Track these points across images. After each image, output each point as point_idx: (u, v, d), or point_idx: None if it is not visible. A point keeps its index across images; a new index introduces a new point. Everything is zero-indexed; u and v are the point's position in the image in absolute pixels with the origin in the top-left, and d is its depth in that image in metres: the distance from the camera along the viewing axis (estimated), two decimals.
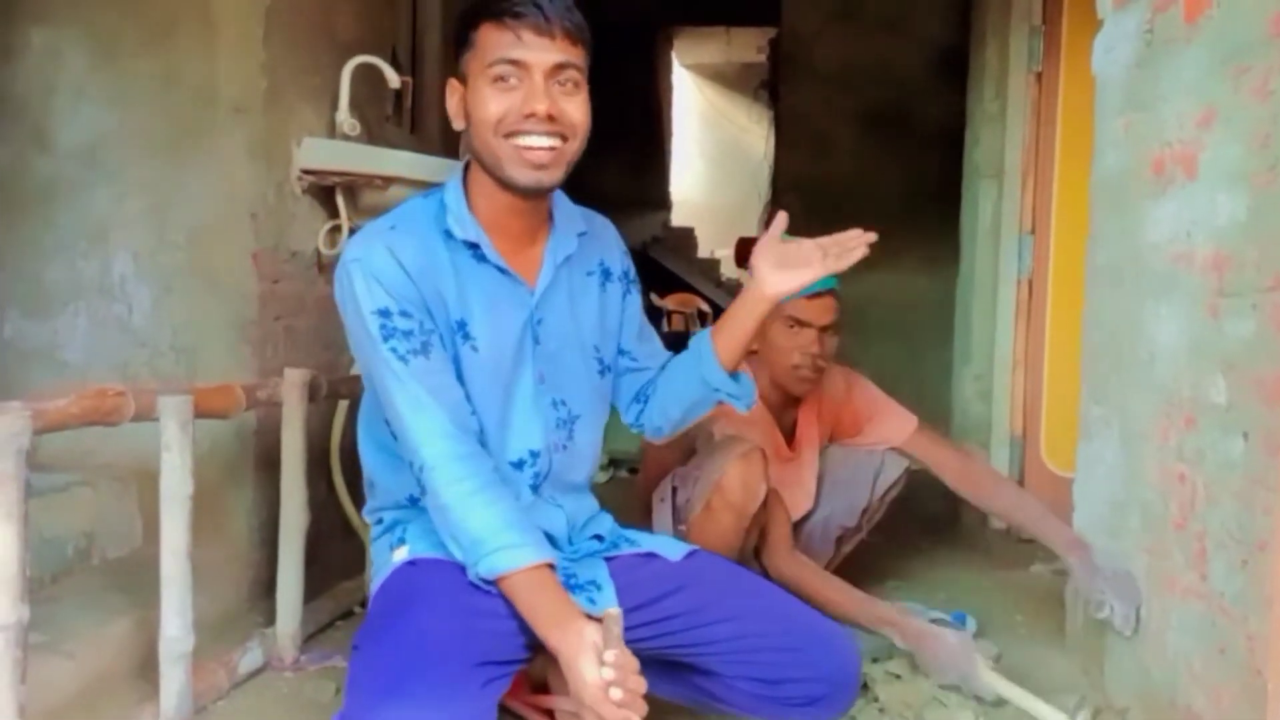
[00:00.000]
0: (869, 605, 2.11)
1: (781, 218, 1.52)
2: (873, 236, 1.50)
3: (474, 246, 1.45)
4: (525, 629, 1.33)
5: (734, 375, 1.58)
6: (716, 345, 1.56)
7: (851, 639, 1.51)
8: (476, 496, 1.34)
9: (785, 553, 2.22)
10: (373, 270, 1.38)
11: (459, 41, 1.44)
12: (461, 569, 1.37)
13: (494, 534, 1.32)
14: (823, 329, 2.28)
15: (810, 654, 1.42)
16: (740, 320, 1.54)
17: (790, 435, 2.47)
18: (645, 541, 1.58)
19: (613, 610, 1.27)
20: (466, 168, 1.51)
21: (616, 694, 1.21)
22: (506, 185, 1.43)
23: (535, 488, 1.49)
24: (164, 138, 2.36)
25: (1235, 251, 1.64)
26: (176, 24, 2.34)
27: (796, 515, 2.43)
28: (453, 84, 1.46)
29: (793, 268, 1.49)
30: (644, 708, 1.23)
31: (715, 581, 1.50)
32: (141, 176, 2.36)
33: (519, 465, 1.48)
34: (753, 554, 2.27)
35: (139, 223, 2.37)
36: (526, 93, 1.37)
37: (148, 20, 2.35)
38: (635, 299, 1.66)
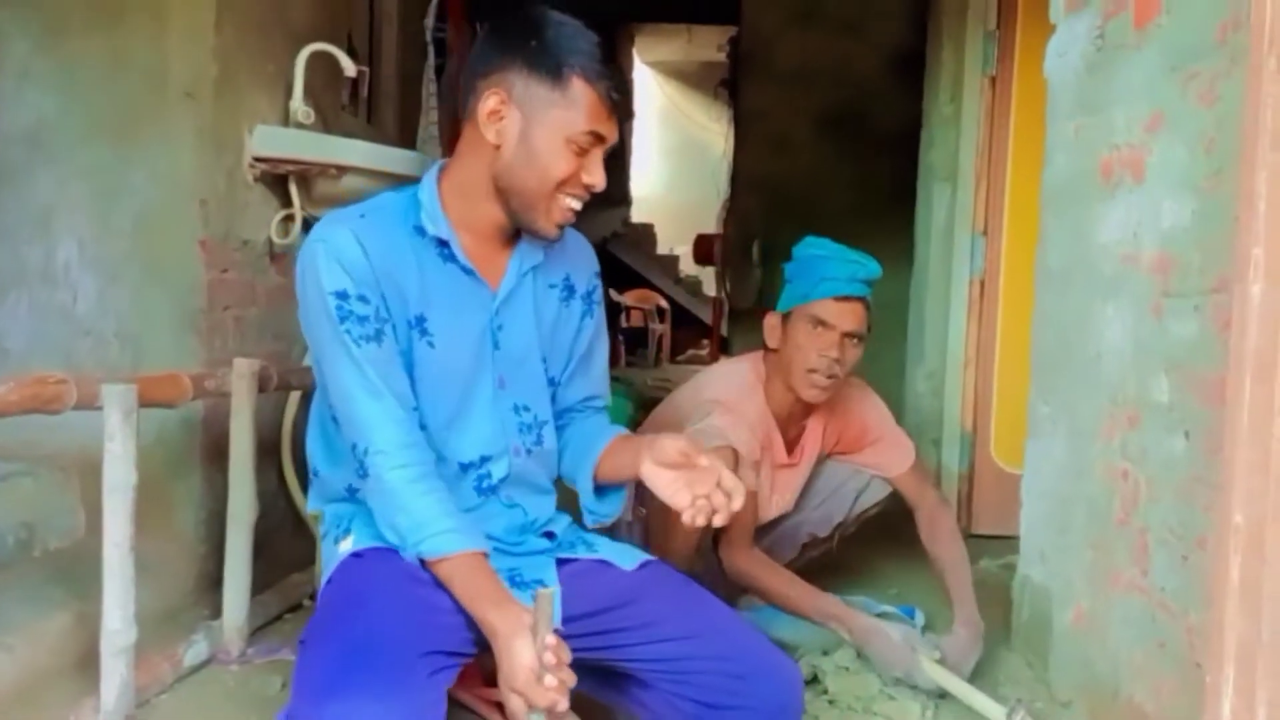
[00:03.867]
0: (819, 600, 2.14)
1: (725, 453, 1.50)
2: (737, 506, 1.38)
3: (443, 245, 1.45)
4: (471, 623, 1.33)
5: (604, 494, 1.58)
6: (601, 461, 1.55)
7: (796, 667, 1.52)
8: (419, 484, 1.36)
9: (743, 549, 2.23)
10: (335, 251, 1.38)
11: (533, 63, 1.38)
12: (407, 562, 1.37)
13: (435, 519, 1.34)
14: (846, 334, 2.21)
15: (755, 683, 1.42)
16: (623, 465, 1.51)
17: (796, 440, 2.43)
18: (601, 547, 1.56)
19: (545, 590, 1.26)
20: (442, 169, 1.50)
21: (550, 681, 1.21)
22: (521, 224, 1.45)
23: (482, 491, 1.49)
24: (111, 122, 2.31)
25: (1180, 254, 1.67)
26: (125, 6, 2.30)
27: (770, 517, 2.42)
28: (498, 93, 1.38)
29: (671, 479, 1.41)
30: (567, 701, 1.23)
31: (667, 597, 1.49)
32: (87, 161, 2.31)
33: (466, 468, 1.48)
34: (711, 545, 2.26)
35: (84, 209, 2.32)
36: (592, 164, 1.41)
37: (95, 1, 2.30)
38: (592, 323, 1.63)
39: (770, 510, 2.41)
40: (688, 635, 1.43)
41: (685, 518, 1.37)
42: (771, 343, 2.29)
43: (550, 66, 1.38)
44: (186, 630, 2.10)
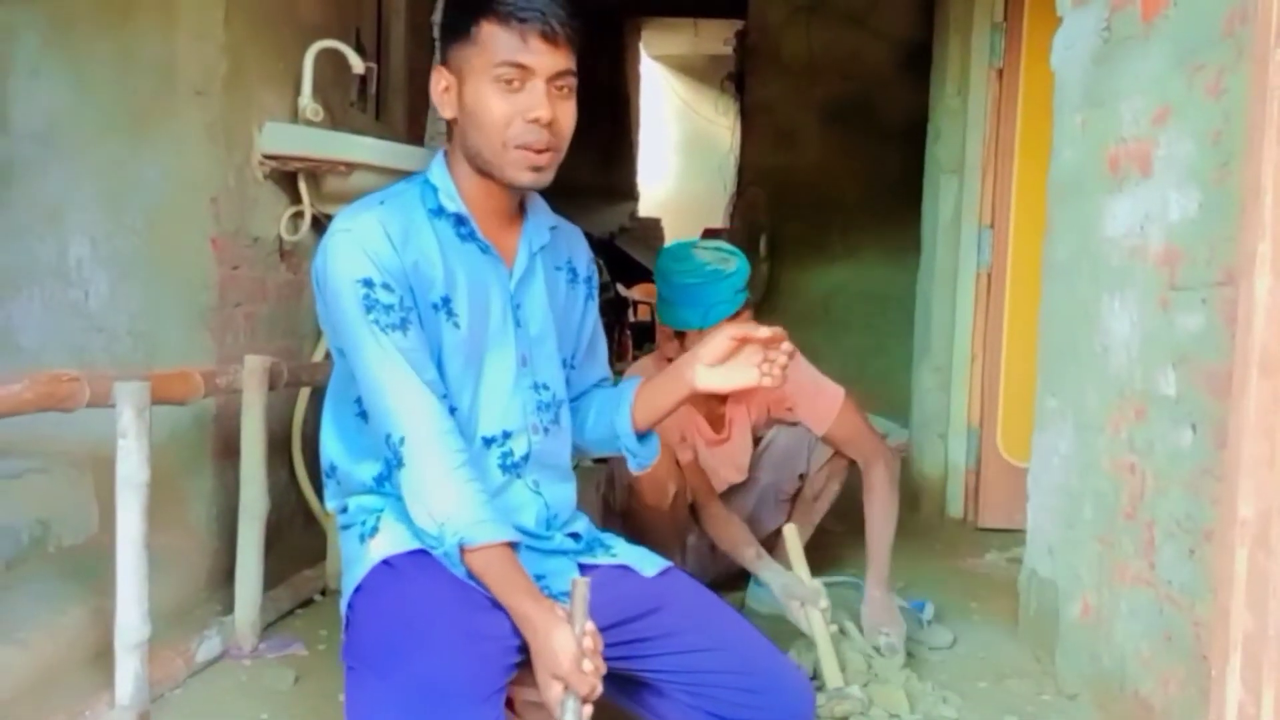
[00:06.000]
0: (744, 550, 2.36)
1: (772, 334, 1.50)
2: (790, 348, 1.51)
3: (460, 223, 1.47)
4: (515, 646, 1.34)
5: (642, 437, 1.62)
6: (635, 407, 1.60)
7: (808, 680, 1.54)
8: (457, 472, 1.36)
9: (707, 508, 2.47)
10: (360, 240, 1.37)
11: (453, 30, 1.42)
12: (445, 571, 1.37)
13: (471, 509, 1.34)
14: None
15: (771, 696, 1.44)
16: (664, 394, 1.58)
17: (721, 418, 2.60)
18: (621, 551, 1.57)
19: (581, 579, 1.29)
20: (446, 153, 1.51)
21: (588, 666, 1.24)
22: (500, 182, 1.46)
23: (506, 468, 1.49)
24: (121, 119, 2.32)
25: (1187, 247, 1.67)
26: (135, 3, 2.31)
27: (727, 485, 2.62)
28: (441, 71, 1.44)
29: (727, 370, 1.51)
30: (600, 688, 1.26)
31: (687, 608, 1.50)
32: (98, 158, 2.33)
33: (489, 442, 1.48)
34: (691, 510, 2.49)
35: (96, 206, 2.34)
36: (530, 98, 1.39)
37: None
38: (594, 308, 1.67)
39: (722, 481, 2.60)
40: (707, 648, 1.45)
41: (767, 383, 1.49)
42: (670, 354, 2.40)
43: (464, 24, 1.40)
44: (199, 625, 2.11)
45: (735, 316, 2.31)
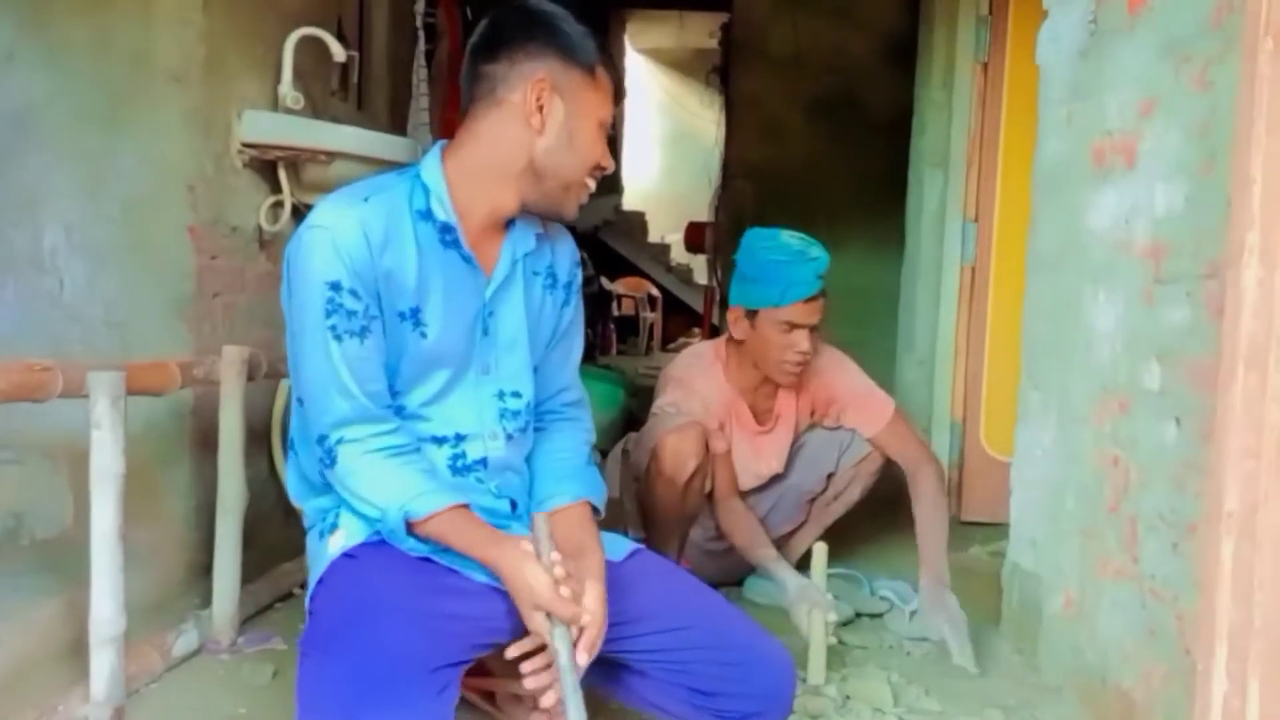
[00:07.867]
0: (758, 552, 2.38)
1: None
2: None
3: (446, 231, 1.46)
4: (479, 626, 1.33)
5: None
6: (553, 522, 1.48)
7: (787, 654, 1.52)
8: (393, 459, 1.39)
9: (724, 503, 2.50)
10: (337, 241, 1.36)
11: (572, 54, 1.45)
12: (406, 557, 1.37)
13: (414, 484, 1.36)
14: (812, 328, 2.41)
15: (748, 670, 1.45)
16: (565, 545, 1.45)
17: (769, 410, 2.60)
18: None
19: (540, 513, 1.36)
20: (443, 151, 1.50)
21: (565, 592, 1.29)
22: (546, 207, 1.50)
23: (459, 470, 1.49)
24: (98, 106, 2.28)
25: (1172, 240, 1.67)
26: None
27: (761, 479, 2.62)
28: (545, 85, 1.44)
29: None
30: (588, 615, 1.31)
31: (659, 588, 1.51)
32: (74, 145, 2.29)
33: (440, 441, 1.48)
34: (705, 498, 2.50)
35: (71, 193, 2.29)
36: (604, 147, 1.51)
37: None
38: (570, 311, 1.66)
39: (758, 473, 2.61)
40: (681, 626, 1.45)
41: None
42: (738, 335, 2.49)
43: (584, 57, 1.46)
44: (176, 619, 2.09)
45: (810, 302, 2.37)
